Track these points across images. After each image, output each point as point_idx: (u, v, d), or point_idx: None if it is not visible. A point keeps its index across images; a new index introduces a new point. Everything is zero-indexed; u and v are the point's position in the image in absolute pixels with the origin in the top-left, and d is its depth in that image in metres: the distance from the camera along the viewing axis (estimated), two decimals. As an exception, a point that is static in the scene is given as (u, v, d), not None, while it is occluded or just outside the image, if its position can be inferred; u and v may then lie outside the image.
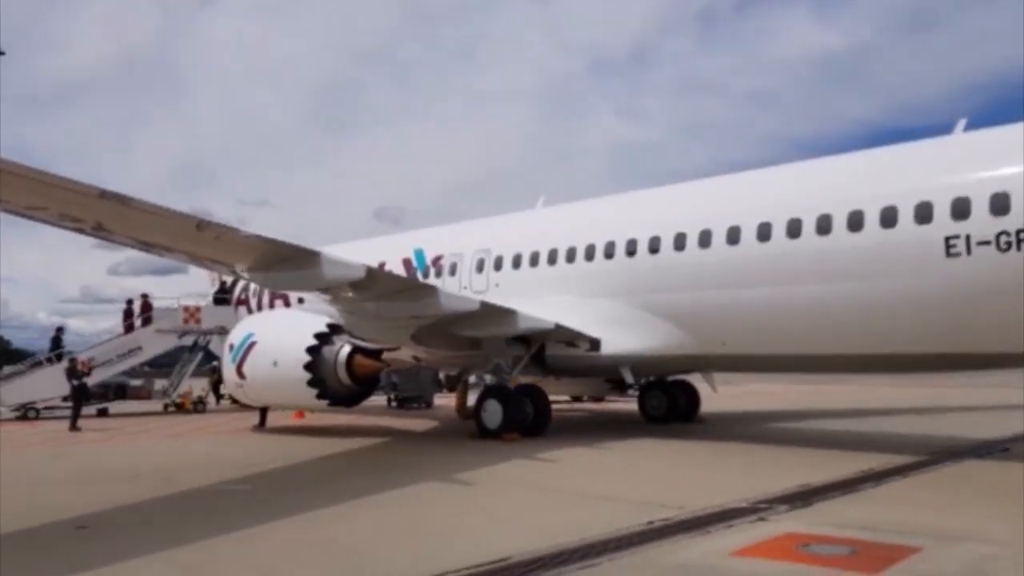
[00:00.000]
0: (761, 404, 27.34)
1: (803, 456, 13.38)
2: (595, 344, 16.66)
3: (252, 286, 26.66)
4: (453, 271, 19.78)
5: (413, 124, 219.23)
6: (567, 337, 16.71)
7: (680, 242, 15.45)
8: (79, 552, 6.87)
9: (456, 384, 31.21)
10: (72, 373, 21.34)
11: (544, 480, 10.95)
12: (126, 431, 19.97)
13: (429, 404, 27.87)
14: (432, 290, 14.90)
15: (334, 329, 17.37)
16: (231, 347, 18.62)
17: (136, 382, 28.91)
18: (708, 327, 15.06)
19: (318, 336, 17.17)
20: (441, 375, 29.07)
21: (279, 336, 17.86)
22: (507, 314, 15.69)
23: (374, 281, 13.88)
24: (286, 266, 12.81)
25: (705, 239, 15.11)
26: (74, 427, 19.68)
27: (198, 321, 26.30)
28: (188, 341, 27.02)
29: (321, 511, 8.64)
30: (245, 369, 18.01)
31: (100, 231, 11.18)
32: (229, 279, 27.81)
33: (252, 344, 18.06)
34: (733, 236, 14.75)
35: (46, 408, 24.07)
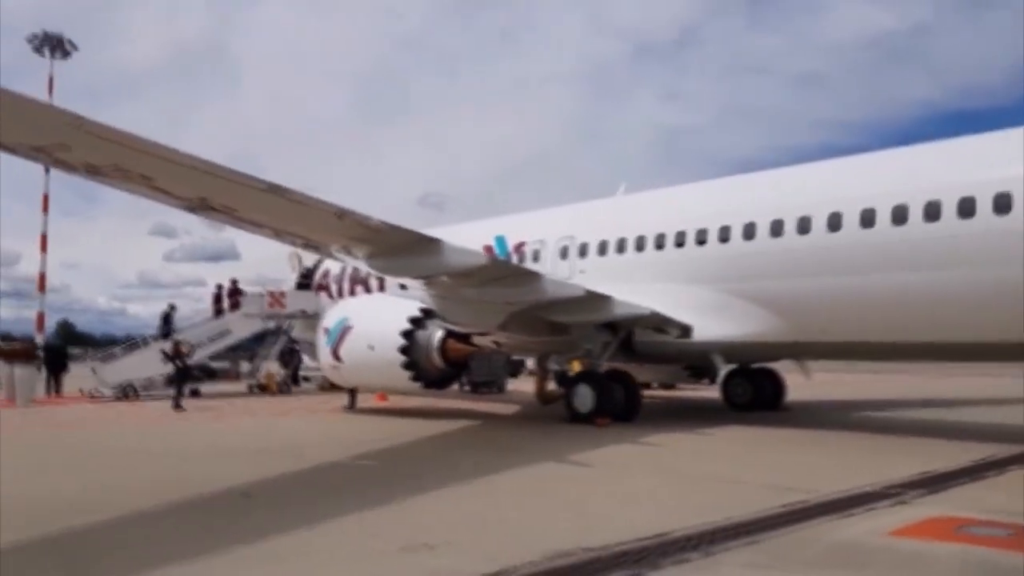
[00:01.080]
0: (840, 393, 27.09)
1: (910, 444, 13.38)
2: (686, 331, 16.79)
3: (332, 272, 27.45)
4: (536, 258, 20.04)
5: (455, 110, 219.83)
6: (658, 323, 16.87)
7: (777, 229, 15.45)
8: (259, 517, 7.38)
9: (524, 370, 31.75)
10: (175, 355, 22.29)
11: (662, 463, 11.19)
12: (227, 411, 20.84)
13: (501, 389, 28.21)
14: (537, 276, 15.22)
15: (426, 314, 17.85)
16: (326, 331, 19.27)
17: (221, 364, 29.92)
18: (808, 314, 15.06)
19: (412, 320, 17.68)
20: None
21: (374, 321, 18.42)
22: (605, 301, 15.92)
23: (486, 268, 14.26)
24: (407, 253, 13.26)
25: (804, 226, 15.09)
26: (177, 407, 20.58)
27: (283, 306, 27.13)
28: (272, 325, 27.92)
29: (457, 488, 9.02)
30: (341, 352, 18.64)
31: (229, 217, 11.69)
32: (311, 265, 28.69)
33: (348, 328, 18.68)
34: (834, 223, 14.71)
35: (144, 388, 25.18)
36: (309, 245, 15.77)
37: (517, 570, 5.57)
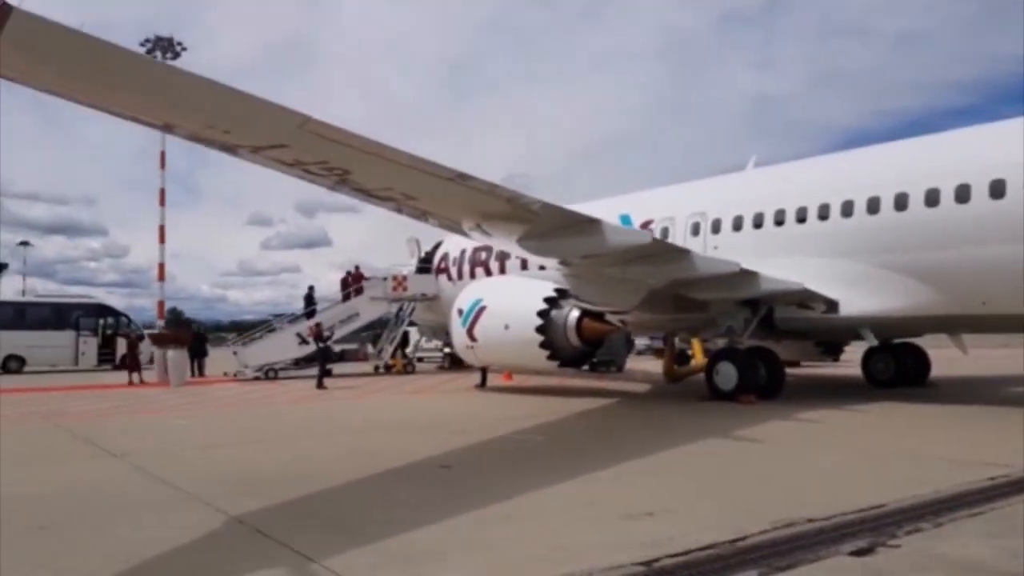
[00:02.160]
0: (981, 368, 25.81)
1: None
2: (832, 305, 16.38)
3: (451, 256, 28.12)
4: (664, 235, 19.90)
5: (537, 90, 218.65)
6: (804, 299, 16.53)
7: (933, 198, 14.84)
8: (470, 485, 7.78)
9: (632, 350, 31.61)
10: (317, 336, 23.44)
11: (835, 439, 11.04)
12: (366, 389, 21.80)
13: (620, 368, 28.30)
14: (687, 253, 15.17)
15: (560, 294, 18.09)
16: (460, 312, 19.81)
17: (347, 346, 31.21)
18: (969, 286, 14.44)
19: (547, 300, 17.95)
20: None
21: (509, 301, 18.81)
22: (754, 277, 15.71)
23: (648, 247, 14.35)
24: (565, 234, 13.49)
25: (963, 194, 14.44)
26: (321, 386, 21.67)
27: (405, 289, 28.02)
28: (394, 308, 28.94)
29: (639, 463, 9.17)
30: (476, 332, 19.14)
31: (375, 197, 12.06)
32: (428, 249, 29.49)
33: (482, 309, 19.15)
34: (997, 189, 14.02)
35: (282, 369, 26.64)
36: (445, 224, 16.11)
37: (751, 537, 5.69)
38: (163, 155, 60.60)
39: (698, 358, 23.94)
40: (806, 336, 18.88)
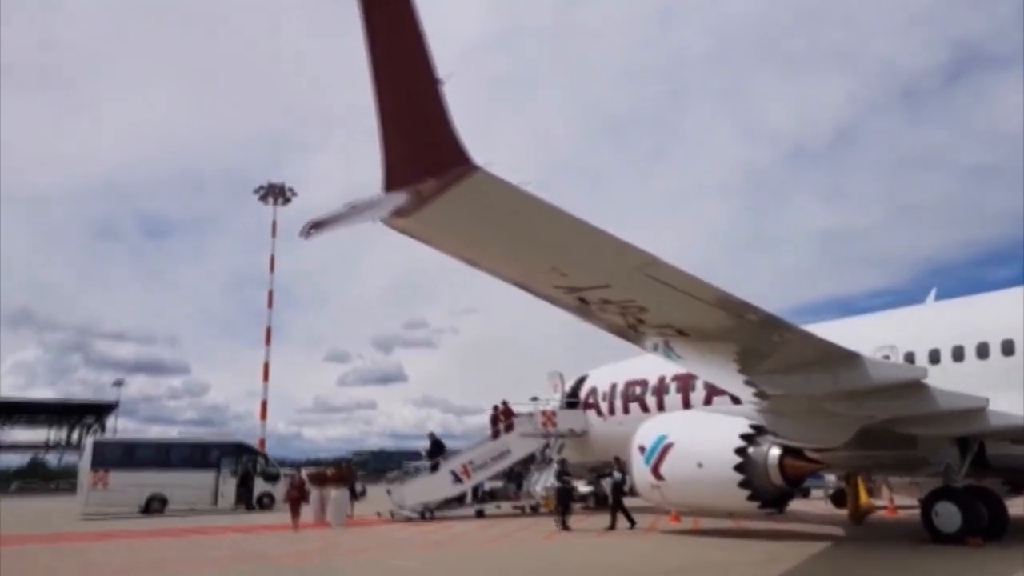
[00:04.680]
0: None
1: None
2: (1055, 441, 15.77)
3: (600, 390, 28.29)
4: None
5: (608, 227, 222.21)
6: (1019, 434, 15.97)
7: None
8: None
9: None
10: (562, 474, 23.39)
11: None
12: (546, 528, 21.67)
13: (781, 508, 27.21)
14: (923, 388, 14.94)
15: (756, 430, 17.91)
16: (642, 449, 19.73)
17: (494, 484, 31.07)
18: None
19: (744, 437, 17.78)
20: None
21: (701, 437, 18.69)
22: (981, 410, 15.31)
23: (916, 384, 14.28)
24: (816, 368, 13.57)
25: None
26: (565, 527, 21.68)
27: (554, 425, 28.11)
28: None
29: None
30: (663, 470, 18.95)
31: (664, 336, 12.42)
32: (574, 383, 29.74)
33: (669, 446, 19.04)
34: None
35: (437, 508, 26.67)
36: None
37: None
38: (271, 294, 63.99)
39: (864, 498, 23.03)
40: (1018, 473, 18.00)
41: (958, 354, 17.68)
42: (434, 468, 28.45)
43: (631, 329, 11.52)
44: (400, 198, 6.12)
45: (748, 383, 15.62)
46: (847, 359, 13.36)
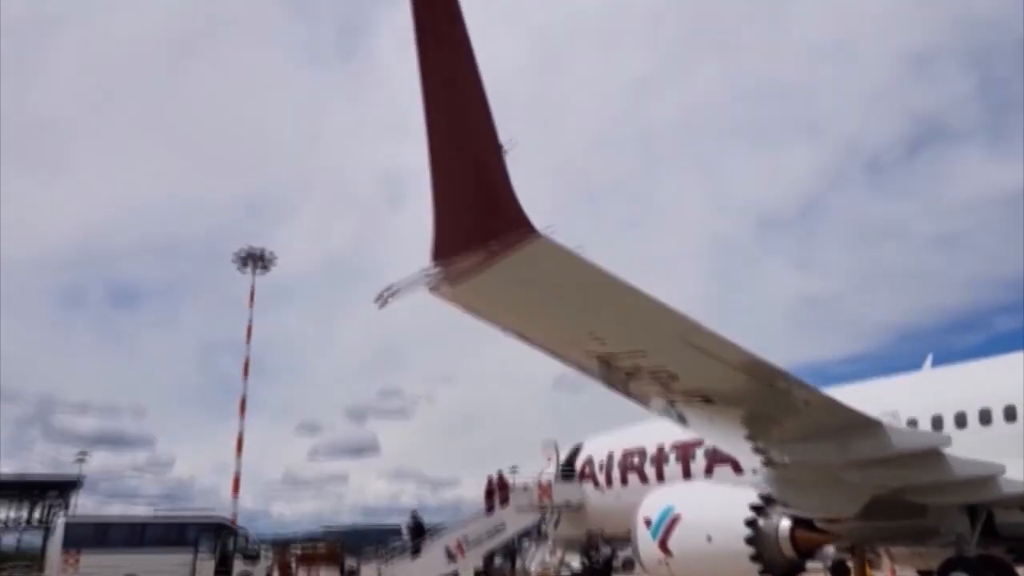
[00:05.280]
0: None
1: None
2: (1063, 508, 15.74)
3: (597, 460, 27.84)
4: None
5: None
6: (1029, 502, 15.91)
7: None
8: None
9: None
10: (588, 547, 22.54)
11: None
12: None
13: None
14: (941, 456, 14.87)
15: (765, 500, 17.69)
16: (647, 522, 19.35)
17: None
18: None
19: (753, 508, 17.53)
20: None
21: (709, 509, 18.41)
22: (994, 479, 15.26)
23: (935, 452, 14.16)
24: (838, 435, 13.46)
25: None
26: None
27: (550, 497, 27.51)
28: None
29: None
30: (671, 544, 18.57)
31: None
32: (569, 453, 29.26)
33: (676, 518, 18.72)
34: None
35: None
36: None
37: None
38: (247, 363, 62.71)
39: (868, 572, 22.70)
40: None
41: (960, 421, 17.76)
42: (416, 550, 27.64)
43: (659, 396, 11.45)
44: (463, 263, 6.09)
45: (759, 450, 15.48)
46: (868, 427, 13.32)
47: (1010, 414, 16.98)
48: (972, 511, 16.43)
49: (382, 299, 6.43)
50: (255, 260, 64.38)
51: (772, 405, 12.25)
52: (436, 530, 29.13)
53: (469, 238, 6.05)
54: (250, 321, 62.36)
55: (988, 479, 15.21)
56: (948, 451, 15.02)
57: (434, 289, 6.78)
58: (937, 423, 18.11)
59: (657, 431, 25.42)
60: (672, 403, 12.12)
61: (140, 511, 47.20)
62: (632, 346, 8.93)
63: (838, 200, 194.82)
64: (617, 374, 9.96)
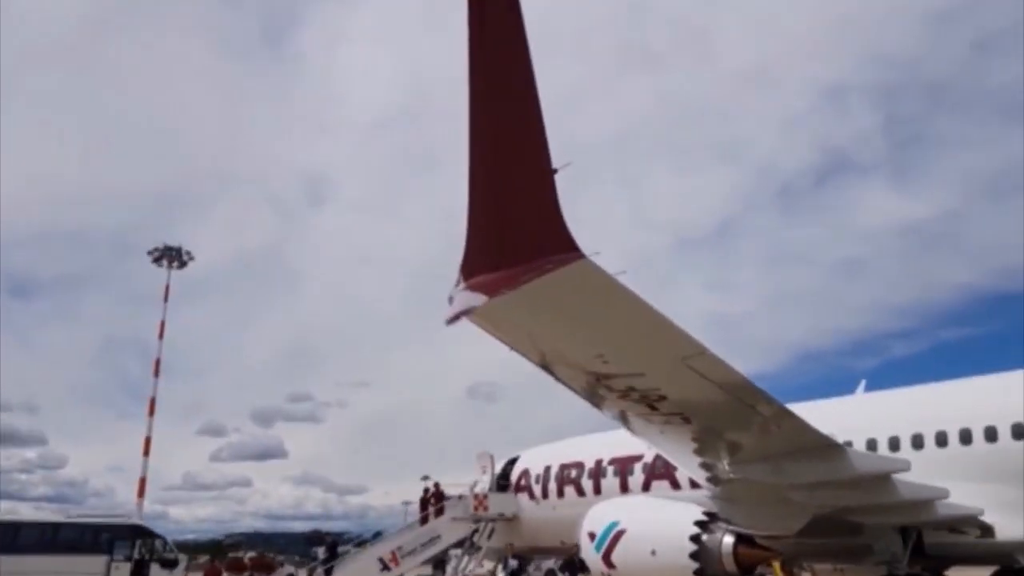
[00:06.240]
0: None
1: None
2: (987, 530, 16.73)
3: (533, 472, 27.88)
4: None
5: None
6: (956, 523, 16.83)
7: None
8: None
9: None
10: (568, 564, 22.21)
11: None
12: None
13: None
14: (889, 480, 15.38)
15: (710, 516, 18.08)
16: (591, 536, 19.51)
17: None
18: None
19: (698, 524, 17.89)
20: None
21: (653, 524, 18.68)
22: (935, 501, 15.98)
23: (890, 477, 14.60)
24: (801, 456, 13.83)
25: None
26: None
27: (486, 508, 27.39)
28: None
29: None
30: (615, 558, 18.76)
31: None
32: (504, 464, 29.20)
33: (620, 532, 18.92)
34: None
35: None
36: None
37: None
38: (158, 363, 60.07)
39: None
40: (959, 561, 18.86)
41: (893, 445, 18.65)
42: (328, 573, 27.14)
43: (640, 416, 11.57)
44: (499, 278, 6.00)
45: (707, 466, 15.84)
46: (830, 449, 13.82)
47: (941, 440, 17.93)
48: (904, 531, 17.26)
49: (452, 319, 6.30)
50: (171, 257, 61.79)
51: (744, 425, 12.57)
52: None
53: (512, 255, 5.98)
54: (163, 319, 59.71)
55: (929, 502, 16.01)
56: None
57: (462, 306, 6.64)
58: (871, 447, 18.95)
59: (595, 445, 25.74)
60: (647, 420, 12.29)
61: (25, 511, 44.33)
62: (633, 368, 9.03)
63: (752, 223, 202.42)
64: (608, 394, 10.04)
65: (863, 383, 22.02)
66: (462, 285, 6.31)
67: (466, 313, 6.67)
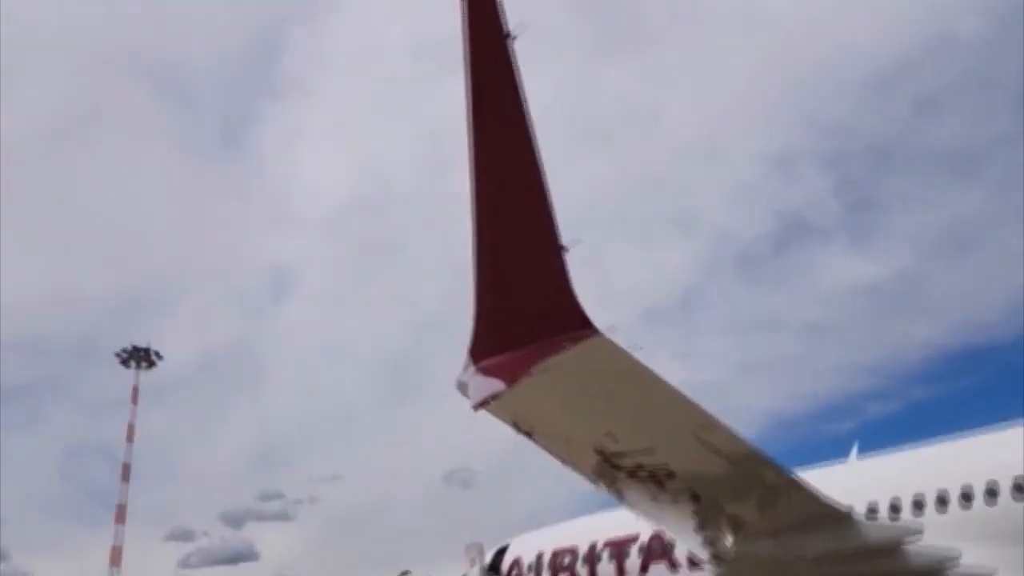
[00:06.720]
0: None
1: None
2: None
3: (526, 561, 26.81)
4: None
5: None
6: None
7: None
8: None
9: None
10: None
11: None
12: None
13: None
14: (898, 548, 14.93)
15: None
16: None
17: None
18: None
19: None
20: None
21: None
22: (949, 561, 15.51)
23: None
24: (812, 528, 13.35)
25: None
26: None
27: (477, 604, 26.15)
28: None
29: None
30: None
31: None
32: (494, 553, 28.06)
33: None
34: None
35: None
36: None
37: None
38: (126, 467, 57.99)
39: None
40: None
41: (894, 507, 18.29)
42: None
43: (648, 496, 11.16)
44: (519, 363, 5.74)
45: (710, 543, 15.32)
46: (840, 520, 13.43)
47: (943, 500, 17.63)
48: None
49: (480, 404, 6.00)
50: (139, 358, 60.38)
51: (751, 498, 12.21)
52: None
53: (524, 334, 5.75)
54: (131, 421, 57.98)
55: (941, 566, 15.60)
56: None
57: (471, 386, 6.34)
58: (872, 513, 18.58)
59: (589, 528, 24.93)
60: (654, 500, 11.87)
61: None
62: (642, 444, 8.69)
63: (714, 292, 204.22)
64: (615, 473, 9.65)
65: (855, 447, 21.72)
66: (472, 369, 6.06)
67: (492, 400, 6.40)
